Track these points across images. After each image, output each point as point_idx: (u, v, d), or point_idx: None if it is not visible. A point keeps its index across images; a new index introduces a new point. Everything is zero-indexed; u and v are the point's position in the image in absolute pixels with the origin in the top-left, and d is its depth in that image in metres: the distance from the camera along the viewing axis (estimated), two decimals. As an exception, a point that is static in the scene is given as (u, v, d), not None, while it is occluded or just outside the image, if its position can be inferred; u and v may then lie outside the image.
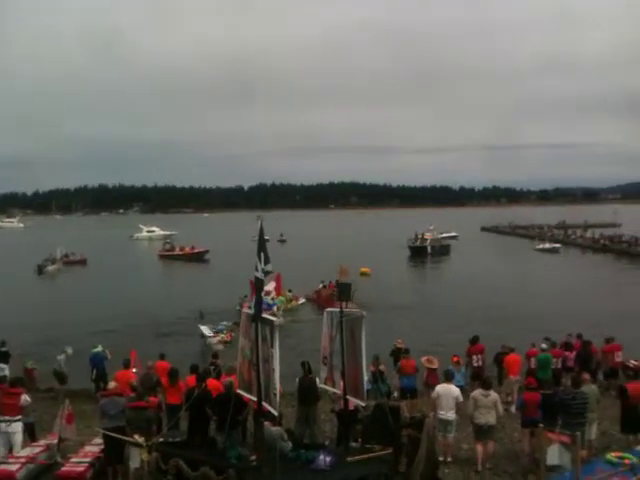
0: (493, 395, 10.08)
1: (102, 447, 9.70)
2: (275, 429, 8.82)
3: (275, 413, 8.29)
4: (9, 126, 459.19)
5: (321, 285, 33.27)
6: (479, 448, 10.00)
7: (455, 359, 14.28)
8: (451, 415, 10.29)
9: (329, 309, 10.24)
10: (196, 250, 64.21)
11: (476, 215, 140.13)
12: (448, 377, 10.81)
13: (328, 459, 8.16)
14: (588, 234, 76.75)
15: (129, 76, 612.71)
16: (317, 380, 10.27)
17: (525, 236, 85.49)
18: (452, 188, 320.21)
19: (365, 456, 8.34)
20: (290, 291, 32.28)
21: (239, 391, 9.02)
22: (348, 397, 9.49)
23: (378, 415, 9.05)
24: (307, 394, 10.30)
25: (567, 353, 15.16)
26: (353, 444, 9.28)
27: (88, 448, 10.19)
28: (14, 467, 9.24)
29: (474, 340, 15.13)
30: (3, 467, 9.28)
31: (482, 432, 9.98)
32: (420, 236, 65.96)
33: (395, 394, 13.58)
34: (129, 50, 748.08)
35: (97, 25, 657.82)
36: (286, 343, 14.94)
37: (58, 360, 16.22)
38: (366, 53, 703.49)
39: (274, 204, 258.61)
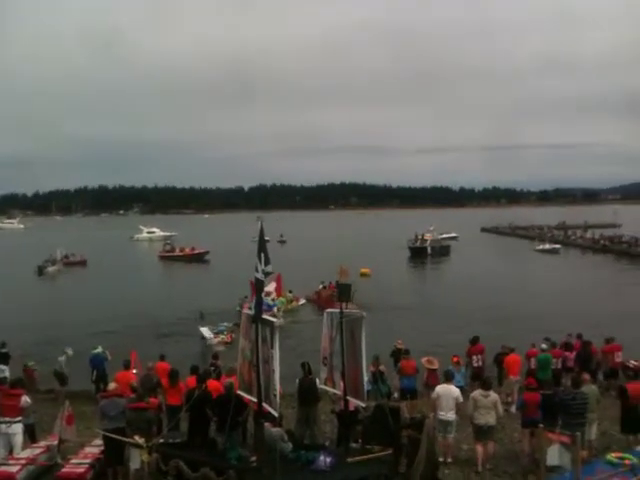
0: (493, 396, 10.08)
1: (102, 448, 9.70)
2: (275, 430, 8.82)
3: (275, 414, 8.29)
4: (9, 126, 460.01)
5: (321, 286, 33.26)
6: (479, 449, 10.01)
7: (455, 359, 14.30)
8: (451, 416, 10.29)
9: (329, 310, 10.25)
10: (196, 251, 64.24)
11: (476, 216, 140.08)
12: (448, 378, 10.82)
13: (328, 460, 8.18)
14: (588, 235, 76.73)
15: (129, 76, 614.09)
16: (317, 381, 10.27)
17: (525, 237, 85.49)
18: (452, 189, 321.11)
19: (365, 457, 8.36)
20: (290, 292, 32.27)
21: (239, 392, 9.03)
22: (348, 398, 9.49)
23: (378, 416, 9.06)
24: (307, 395, 10.29)
25: (567, 353, 15.16)
26: (353, 445, 9.29)
27: (88, 449, 10.19)
28: (14, 468, 9.25)
29: (474, 340, 15.14)
30: (3, 468, 9.28)
31: (482, 433, 9.98)
32: (420, 237, 65.96)
33: (395, 395, 13.58)
34: (129, 50, 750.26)
35: (97, 25, 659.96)
36: (286, 344, 14.94)
37: (59, 361, 16.21)
38: (366, 53, 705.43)
39: (274, 205, 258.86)
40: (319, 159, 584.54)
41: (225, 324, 25.45)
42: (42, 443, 10.49)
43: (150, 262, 65.49)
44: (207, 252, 64.06)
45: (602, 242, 67.29)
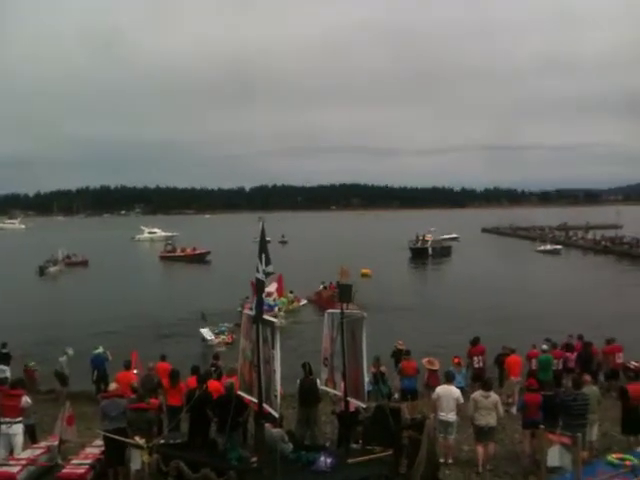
0: (493, 396, 10.08)
1: (103, 449, 9.71)
2: (276, 431, 8.82)
3: (276, 415, 8.29)
4: (9, 126, 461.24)
5: (322, 286, 33.23)
6: (480, 449, 10.00)
7: (456, 360, 14.30)
8: (452, 416, 10.28)
9: (330, 310, 10.24)
10: (197, 251, 64.28)
11: (477, 216, 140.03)
12: (449, 378, 10.82)
13: (329, 461, 8.17)
14: (589, 235, 76.74)
15: (129, 76, 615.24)
16: (318, 381, 10.26)
17: (526, 237, 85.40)
18: (453, 189, 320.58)
19: (366, 458, 8.36)
20: (292, 292, 32.25)
21: (240, 392, 9.02)
22: (349, 398, 9.49)
23: (379, 416, 9.06)
24: (308, 395, 10.29)
25: (568, 354, 15.15)
26: (354, 445, 9.29)
27: (89, 450, 10.19)
28: (15, 469, 9.25)
29: (475, 341, 15.13)
30: (4, 469, 9.29)
31: (483, 433, 9.98)
32: (421, 237, 65.92)
33: (396, 395, 13.56)
34: (129, 50, 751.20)
35: (97, 25, 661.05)
36: (287, 344, 14.92)
37: (59, 361, 16.19)
38: (366, 53, 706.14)
39: (275, 205, 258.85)
40: (319, 159, 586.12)
41: (226, 324, 25.45)
42: (43, 444, 10.48)
43: (151, 262, 65.52)
44: (208, 252, 64.08)
45: (603, 243, 67.21)
